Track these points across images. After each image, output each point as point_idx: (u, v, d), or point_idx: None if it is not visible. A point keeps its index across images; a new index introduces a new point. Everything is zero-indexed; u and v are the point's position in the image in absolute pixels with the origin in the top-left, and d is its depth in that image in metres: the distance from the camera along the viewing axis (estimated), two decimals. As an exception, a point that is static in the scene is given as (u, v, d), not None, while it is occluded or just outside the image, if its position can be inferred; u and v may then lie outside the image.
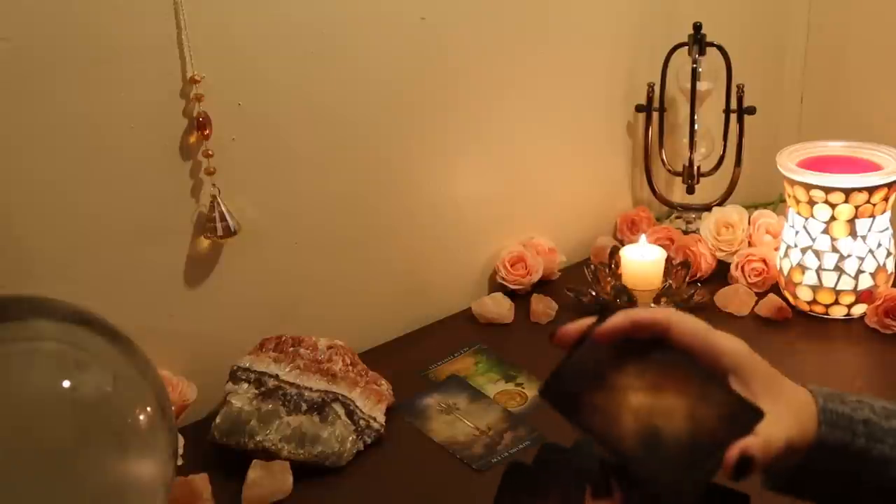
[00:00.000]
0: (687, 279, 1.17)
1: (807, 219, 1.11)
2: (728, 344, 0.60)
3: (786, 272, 1.15)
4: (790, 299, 1.16)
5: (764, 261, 1.20)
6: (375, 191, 1.10)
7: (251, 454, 0.90)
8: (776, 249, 1.20)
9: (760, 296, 1.18)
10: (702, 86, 1.27)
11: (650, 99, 1.31)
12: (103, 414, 0.68)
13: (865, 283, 1.11)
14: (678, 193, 1.40)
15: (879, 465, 0.60)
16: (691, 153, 1.31)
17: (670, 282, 1.15)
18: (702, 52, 1.26)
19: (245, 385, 0.94)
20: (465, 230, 1.21)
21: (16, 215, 0.86)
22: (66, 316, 0.71)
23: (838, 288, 1.11)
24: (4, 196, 0.85)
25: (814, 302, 1.14)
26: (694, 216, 1.35)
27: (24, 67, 0.82)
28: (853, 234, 1.09)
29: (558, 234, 1.30)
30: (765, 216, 1.27)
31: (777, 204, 1.40)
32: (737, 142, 1.30)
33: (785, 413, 0.59)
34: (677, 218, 1.37)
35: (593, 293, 1.17)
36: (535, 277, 1.22)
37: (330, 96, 1.02)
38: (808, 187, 1.08)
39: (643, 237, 1.16)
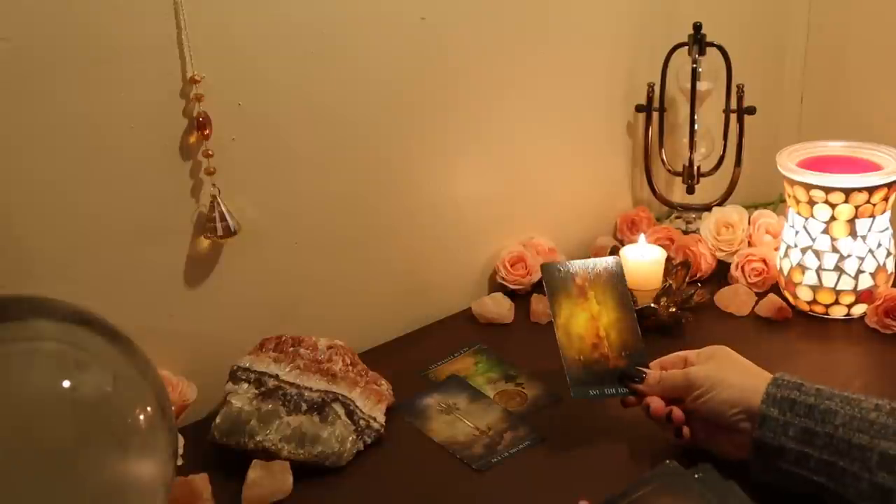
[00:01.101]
0: (687, 279, 1.17)
1: (807, 219, 1.11)
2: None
3: (786, 272, 1.15)
4: (790, 299, 1.16)
5: (764, 261, 1.20)
6: (375, 191, 1.10)
7: (251, 454, 0.90)
8: (776, 249, 1.20)
9: (760, 296, 1.18)
10: (702, 86, 1.27)
11: (650, 99, 1.31)
12: (103, 414, 0.68)
13: (865, 283, 1.11)
14: (678, 193, 1.40)
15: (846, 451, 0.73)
16: (691, 153, 1.31)
17: (670, 282, 1.15)
18: (702, 52, 1.26)
19: (245, 385, 0.94)
20: (465, 230, 1.21)
21: (16, 215, 0.86)
22: (66, 316, 0.71)
23: (838, 288, 1.11)
24: (4, 196, 0.85)
25: (814, 302, 1.14)
26: (694, 216, 1.35)
27: (24, 67, 0.82)
28: (853, 234, 1.09)
29: (558, 234, 1.30)
30: (765, 216, 1.27)
31: (777, 204, 1.40)
32: (737, 142, 1.30)
33: (736, 381, 0.82)
34: (677, 218, 1.37)
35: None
36: (536, 277, 1.22)
37: (330, 96, 1.02)
38: (808, 187, 1.08)
39: (643, 237, 1.16)
